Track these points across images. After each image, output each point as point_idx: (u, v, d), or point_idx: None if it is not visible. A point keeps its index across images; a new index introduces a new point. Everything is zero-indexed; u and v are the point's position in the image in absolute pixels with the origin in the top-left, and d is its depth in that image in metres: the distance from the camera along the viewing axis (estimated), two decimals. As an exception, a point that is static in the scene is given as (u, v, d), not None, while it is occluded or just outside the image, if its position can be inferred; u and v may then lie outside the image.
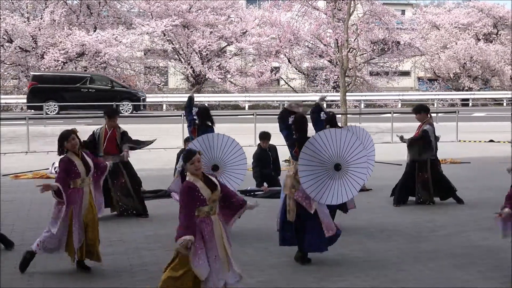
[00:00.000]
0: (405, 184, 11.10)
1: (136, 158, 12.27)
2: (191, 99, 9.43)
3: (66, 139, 7.09)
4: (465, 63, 43.31)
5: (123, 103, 30.77)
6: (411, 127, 22.28)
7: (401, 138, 11.22)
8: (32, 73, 32.93)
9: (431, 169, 10.99)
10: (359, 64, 39.44)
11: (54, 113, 30.09)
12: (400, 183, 11.17)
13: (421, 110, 11.17)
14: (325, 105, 9.08)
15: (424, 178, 10.96)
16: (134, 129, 13.37)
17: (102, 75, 34.60)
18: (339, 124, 10.90)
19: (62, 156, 7.15)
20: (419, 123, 11.10)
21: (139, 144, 10.50)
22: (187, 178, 5.81)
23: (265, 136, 12.46)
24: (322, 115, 7.91)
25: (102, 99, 29.35)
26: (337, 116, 22.47)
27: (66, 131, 7.18)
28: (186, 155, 5.79)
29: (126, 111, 30.40)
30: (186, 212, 5.67)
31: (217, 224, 5.85)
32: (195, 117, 9.13)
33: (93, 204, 7.31)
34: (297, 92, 42.26)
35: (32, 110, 31.65)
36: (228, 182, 8.52)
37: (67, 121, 26.08)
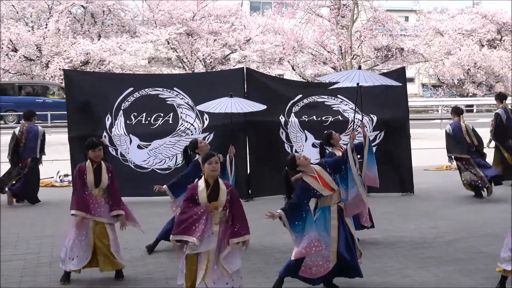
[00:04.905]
0: None
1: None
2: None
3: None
4: (469, 69, 43.26)
5: None
6: (415, 134, 22.31)
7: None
8: None
9: None
10: (363, 71, 39.34)
11: None
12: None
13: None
14: None
15: None
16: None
17: None
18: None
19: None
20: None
21: None
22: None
23: None
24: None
25: None
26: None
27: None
28: (205, 156, 6.00)
29: None
30: (181, 209, 5.98)
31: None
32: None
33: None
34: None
35: None
36: None
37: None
